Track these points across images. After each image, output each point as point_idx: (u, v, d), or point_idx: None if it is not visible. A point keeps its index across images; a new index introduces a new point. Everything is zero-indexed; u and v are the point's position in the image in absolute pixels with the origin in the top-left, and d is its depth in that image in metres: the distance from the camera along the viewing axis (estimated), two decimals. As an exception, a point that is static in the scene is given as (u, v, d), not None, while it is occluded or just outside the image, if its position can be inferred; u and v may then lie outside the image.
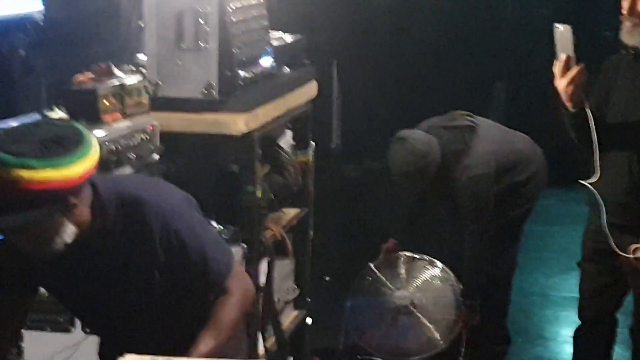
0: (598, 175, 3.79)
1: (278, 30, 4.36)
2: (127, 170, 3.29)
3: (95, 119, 3.25)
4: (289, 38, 4.34)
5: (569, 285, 4.41)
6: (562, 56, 3.67)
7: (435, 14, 8.06)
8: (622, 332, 4.35)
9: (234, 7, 3.69)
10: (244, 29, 3.75)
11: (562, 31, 3.63)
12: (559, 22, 3.65)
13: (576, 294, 4.28)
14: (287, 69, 4.21)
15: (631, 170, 3.87)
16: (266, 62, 3.98)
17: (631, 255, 3.85)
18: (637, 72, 3.88)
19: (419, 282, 4.95)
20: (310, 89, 4.41)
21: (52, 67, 4.29)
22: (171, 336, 2.66)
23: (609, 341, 4.25)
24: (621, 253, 3.86)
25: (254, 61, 3.87)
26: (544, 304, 5.91)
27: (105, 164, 3.16)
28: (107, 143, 3.18)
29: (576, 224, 4.52)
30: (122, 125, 3.33)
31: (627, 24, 3.81)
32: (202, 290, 2.64)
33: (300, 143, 4.49)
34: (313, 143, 4.55)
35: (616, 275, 4.09)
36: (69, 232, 2.45)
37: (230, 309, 2.62)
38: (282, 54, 4.16)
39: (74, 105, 3.30)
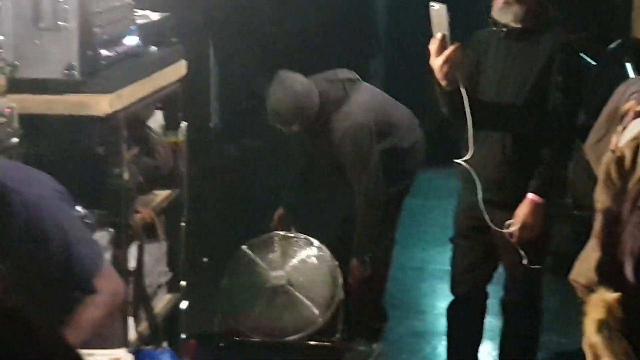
0: (472, 153, 3.84)
1: (145, 9, 4.26)
2: (-17, 154, 3.18)
3: (-53, 103, 3.12)
4: (155, 16, 4.24)
5: (445, 259, 4.45)
6: (438, 35, 3.68)
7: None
8: (493, 304, 4.43)
9: (94, -16, 3.58)
10: (105, 7, 3.65)
11: (438, 9, 3.65)
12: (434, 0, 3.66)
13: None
14: (153, 48, 4.11)
15: (504, 146, 3.93)
16: (131, 41, 3.89)
17: (506, 230, 3.91)
18: (508, 49, 3.94)
19: (295, 261, 4.95)
20: (179, 68, 4.32)
21: None
22: None
23: (481, 313, 4.34)
24: (496, 228, 3.92)
25: (117, 40, 3.77)
26: (421, 277, 5.99)
27: (-42, 150, 3.05)
28: (-40, 127, 3.06)
29: (453, 199, 4.58)
30: (-23, 108, 3.20)
31: (498, 2, 3.86)
32: (67, 288, 2.55)
33: (170, 123, 4.40)
34: (185, 123, 4.46)
35: (487, 251, 4.17)
36: None
37: (94, 309, 2.54)
38: (148, 32, 4.06)
39: None
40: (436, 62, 3.73)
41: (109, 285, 2.60)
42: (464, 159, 3.89)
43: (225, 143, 8.08)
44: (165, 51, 4.22)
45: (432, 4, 3.67)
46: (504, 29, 3.93)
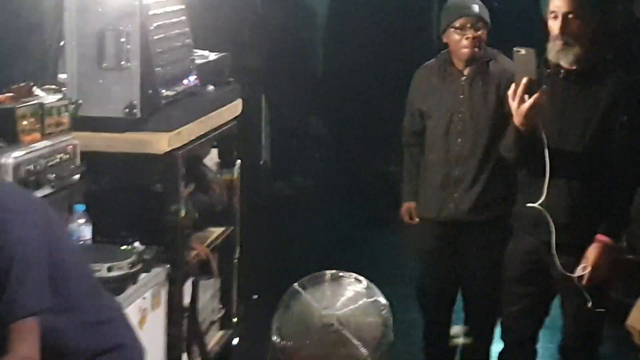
0: (544, 197, 3.83)
1: (202, 49, 4.35)
2: (46, 190, 3.25)
3: (13, 140, 3.20)
4: (212, 56, 4.32)
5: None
6: (524, 80, 3.70)
7: (365, 29, 8.10)
8: (548, 348, 4.40)
9: (155, 26, 3.66)
10: (166, 47, 3.73)
11: (525, 54, 3.67)
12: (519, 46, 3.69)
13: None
14: (211, 87, 4.19)
15: (570, 189, 3.91)
16: (190, 80, 3.96)
17: (576, 275, 3.88)
18: (567, 92, 3.93)
19: (344, 299, 4.96)
20: (235, 107, 4.40)
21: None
22: None
23: (533, 358, 4.29)
24: (566, 273, 3.89)
25: (177, 80, 3.84)
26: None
27: (24, 185, 3.11)
28: (25, 164, 3.13)
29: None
30: (42, 145, 3.27)
31: (557, 43, 3.86)
32: None
33: (225, 161, 4.47)
34: (239, 161, 4.53)
35: (541, 296, 4.12)
36: None
37: None
38: (206, 72, 4.14)
39: (-9, 126, 3.24)
40: (521, 107, 3.74)
41: (21, 347, 2.38)
42: (538, 202, 3.87)
43: (275, 180, 8.14)
44: (223, 90, 4.30)
45: (517, 48, 3.69)
46: (562, 71, 3.93)
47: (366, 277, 5.05)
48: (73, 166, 3.40)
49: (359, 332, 4.95)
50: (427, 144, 4.70)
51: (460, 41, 4.50)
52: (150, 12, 3.66)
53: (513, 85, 3.76)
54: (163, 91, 3.69)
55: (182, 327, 3.83)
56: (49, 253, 2.53)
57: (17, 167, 3.10)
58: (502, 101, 4.40)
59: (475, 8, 4.51)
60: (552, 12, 3.87)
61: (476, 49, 4.49)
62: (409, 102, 4.80)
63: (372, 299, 4.97)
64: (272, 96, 7.96)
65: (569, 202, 3.92)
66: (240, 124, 4.51)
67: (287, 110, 8.08)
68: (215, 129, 4.16)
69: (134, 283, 3.44)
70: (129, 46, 3.59)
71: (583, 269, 3.88)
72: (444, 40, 4.59)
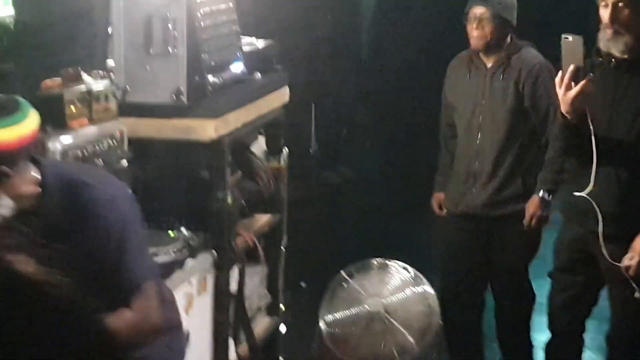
0: (592, 186, 3.78)
1: (250, 36, 4.34)
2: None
3: (61, 125, 3.23)
4: (260, 43, 4.32)
5: (543, 292, 4.39)
6: (571, 67, 3.65)
7: (414, 17, 8.05)
8: (596, 339, 4.35)
9: (203, 12, 3.67)
10: (213, 34, 3.73)
11: (572, 41, 3.62)
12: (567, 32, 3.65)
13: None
14: (258, 75, 4.18)
15: (619, 179, 3.86)
16: (237, 67, 3.96)
17: (624, 265, 3.83)
18: (618, 81, 3.87)
19: (391, 287, 4.95)
20: (282, 95, 4.39)
21: (22, 73, 4.26)
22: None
23: (579, 349, 4.25)
24: (614, 262, 3.84)
25: (224, 67, 3.84)
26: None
27: (71, 170, 3.14)
28: (73, 149, 3.16)
29: (550, 232, 4.52)
30: (89, 131, 3.30)
31: (608, 32, 3.81)
32: (111, 291, 2.53)
33: (273, 149, 4.46)
34: (286, 149, 4.52)
35: (589, 286, 4.08)
36: (4, 204, 2.45)
37: (120, 321, 2.48)
38: (253, 59, 4.14)
39: (40, 110, 3.25)
40: (567, 94, 3.70)
41: (145, 305, 2.57)
42: (585, 192, 3.83)
43: (323, 169, 8.13)
44: (270, 77, 4.29)
45: (565, 35, 3.65)
46: (612, 60, 3.87)
47: (413, 266, 5.04)
48: (120, 152, 3.42)
49: (405, 320, 4.94)
50: (458, 137, 4.72)
51: (470, 34, 4.49)
52: (198, -1, 3.67)
53: (560, 73, 3.71)
54: (210, 78, 3.69)
55: (228, 312, 3.84)
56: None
57: (64, 152, 3.13)
58: (521, 96, 4.46)
59: (483, 3, 4.44)
60: (603, 0, 3.81)
61: (484, 43, 4.45)
62: (443, 93, 4.81)
63: (419, 288, 4.96)
64: (320, 85, 7.95)
65: (617, 192, 3.87)
66: (288, 111, 4.51)
67: (334, 100, 8.07)
68: (262, 116, 4.16)
69: (180, 268, 3.45)
70: (175, 33, 3.60)
71: (630, 259, 3.83)
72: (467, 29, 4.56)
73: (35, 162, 2.59)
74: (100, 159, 3.29)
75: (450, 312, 4.84)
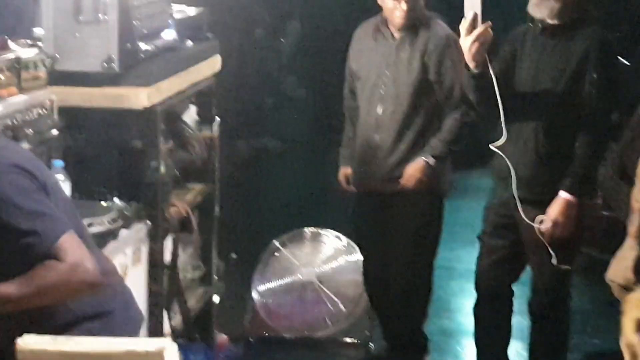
0: (505, 137, 3.79)
1: (180, 4, 4.29)
2: (24, 145, 3.19)
3: (-11, 94, 3.15)
4: (191, 11, 4.26)
5: (473, 258, 4.43)
6: (470, 14, 3.65)
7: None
8: (522, 303, 4.42)
9: (134, -22, 3.60)
10: (144, 1, 3.67)
11: None
12: None
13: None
14: (190, 43, 4.13)
15: (537, 142, 3.91)
16: (168, 35, 3.91)
17: (536, 225, 3.88)
18: (543, 46, 3.91)
19: (324, 257, 4.97)
20: (213, 63, 4.34)
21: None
22: None
23: (508, 312, 4.30)
24: (528, 222, 3.89)
25: (155, 34, 3.79)
26: (450, 276, 5.97)
27: (0, 139, 3.06)
28: (2, 118, 3.08)
29: (479, 198, 4.57)
30: (19, 99, 3.22)
31: None
32: (30, 258, 2.51)
33: (204, 118, 4.42)
34: (218, 118, 4.49)
35: (515, 249, 4.13)
36: None
37: (50, 271, 2.48)
38: (184, 27, 4.09)
39: (-33, 79, 3.19)
40: (465, 41, 3.69)
41: (69, 256, 2.50)
42: (498, 143, 3.83)
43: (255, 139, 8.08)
44: (201, 46, 4.24)
45: None
46: (540, 25, 3.91)
47: (346, 236, 5.06)
48: (50, 121, 3.35)
49: (338, 289, 4.97)
50: (359, 107, 4.55)
51: (393, 9, 4.34)
52: (128, -35, 3.59)
53: (463, 21, 3.72)
54: (141, 45, 3.63)
55: (162, 283, 3.81)
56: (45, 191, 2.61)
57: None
58: (426, 69, 4.35)
59: None
60: None
61: (410, 18, 4.32)
62: (347, 61, 4.63)
63: (352, 257, 4.98)
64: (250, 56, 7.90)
65: (534, 156, 3.92)
66: (220, 80, 4.46)
67: (262, 71, 8.03)
68: (194, 85, 4.11)
69: (114, 239, 3.41)
70: (106, -1, 3.53)
71: (540, 222, 3.88)
72: (378, 2, 4.41)
73: None
74: (30, 129, 3.22)
75: (372, 288, 4.75)
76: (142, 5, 3.66)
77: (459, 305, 5.60)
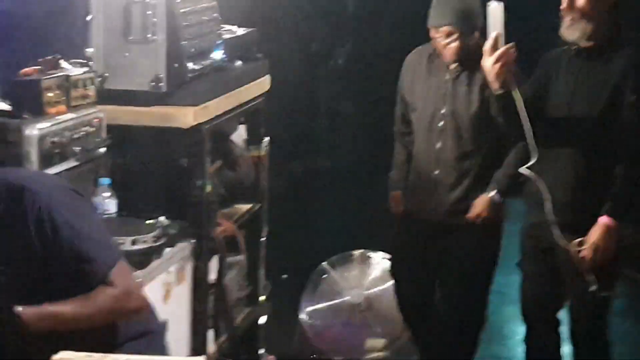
0: (536, 156, 3.73)
1: (231, 24, 4.31)
2: (71, 163, 3.23)
3: (39, 111, 3.19)
4: (240, 31, 4.28)
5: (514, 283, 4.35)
6: (493, 34, 3.62)
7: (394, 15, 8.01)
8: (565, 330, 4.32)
9: (182, -2, 3.64)
10: (193, 21, 3.70)
11: (494, 8, 3.58)
12: None
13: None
14: (239, 62, 4.15)
15: (576, 166, 3.84)
16: (217, 55, 3.93)
17: (574, 249, 3.80)
18: (579, 69, 3.85)
19: (372, 279, 4.94)
20: (263, 83, 4.36)
21: (1, 62, 4.22)
22: None
23: (556, 342, 4.20)
24: (567, 247, 3.81)
25: (204, 54, 3.81)
26: (502, 302, 5.89)
27: (48, 157, 3.10)
28: (50, 136, 3.12)
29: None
30: (67, 117, 3.26)
31: (566, 20, 3.79)
32: (84, 283, 2.56)
33: (254, 137, 4.43)
34: (267, 137, 4.49)
35: (554, 276, 4.03)
36: None
37: (102, 297, 2.54)
38: (234, 47, 4.11)
39: (17, 97, 3.24)
40: (488, 62, 3.65)
41: (121, 281, 2.58)
42: (529, 164, 3.76)
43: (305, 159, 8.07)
44: (250, 66, 4.26)
45: (489, 2, 3.61)
46: (574, 48, 3.85)
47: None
48: (98, 139, 3.39)
49: (387, 312, 4.93)
50: (415, 138, 4.49)
51: (445, 46, 4.26)
52: (177, -15, 3.63)
53: (486, 42, 3.67)
54: (189, 65, 3.66)
55: (207, 302, 3.81)
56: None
57: (42, 138, 3.09)
58: (487, 102, 4.23)
59: (461, 16, 4.20)
60: None
61: (461, 56, 4.24)
62: (399, 86, 4.56)
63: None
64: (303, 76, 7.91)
65: (573, 180, 3.84)
66: (269, 100, 4.47)
67: (317, 91, 8.03)
68: (243, 105, 4.12)
69: (159, 257, 3.42)
70: (155, 19, 3.56)
71: (579, 244, 3.79)
72: (430, 36, 4.34)
73: None
74: (78, 147, 3.26)
75: (408, 318, 4.69)
76: (191, 25, 3.69)
77: (512, 331, 5.53)
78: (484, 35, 3.81)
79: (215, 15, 3.93)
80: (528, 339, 4.25)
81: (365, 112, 7.98)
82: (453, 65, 4.33)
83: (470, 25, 4.24)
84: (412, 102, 4.47)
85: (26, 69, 3.38)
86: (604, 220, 3.79)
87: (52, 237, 2.52)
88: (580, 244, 3.81)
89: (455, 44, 4.24)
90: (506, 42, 3.64)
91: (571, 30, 3.79)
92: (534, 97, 3.79)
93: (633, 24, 4.04)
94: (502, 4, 3.57)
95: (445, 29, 4.24)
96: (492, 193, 4.32)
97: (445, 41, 4.26)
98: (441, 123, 4.35)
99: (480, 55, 4.15)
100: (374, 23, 7.97)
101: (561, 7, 3.78)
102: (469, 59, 4.24)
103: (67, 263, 2.55)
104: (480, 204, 4.34)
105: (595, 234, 3.78)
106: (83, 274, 2.55)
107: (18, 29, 4.16)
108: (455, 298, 4.50)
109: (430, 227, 4.44)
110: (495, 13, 3.57)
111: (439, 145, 4.36)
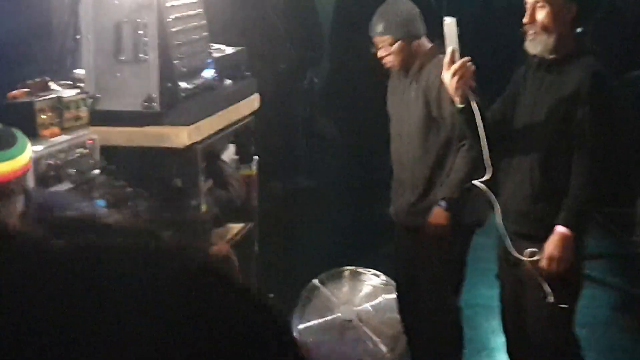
0: (489, 173, 3.74)
1: (219, 43, 4.30)
2: (66, 185, 3.20)
3: (32, 134, 3.15)
4: (229, 50, 4.28)
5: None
6: (449, 49, 3.65)
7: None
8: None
9: (173, 17, 3.62)
10: (184, 40, 3.69)
11: (449, 23, 3.61)
12: (447, 15, 3.63)
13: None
14: (228, 82, 4.14)
15: (533, 177, 3.85)
16: (208, 73, 3.92)
17: (526, 259, 3.79)
18: (540, 81, 3.87)
19: (363, 295, 4.92)
20: (252, 102, 4.35)
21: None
22: None
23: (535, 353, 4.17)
24: (519, 256, 3.79)
25: (195, 73, 3.80)
26: (488, 315, 5.90)
27: (43, 179, 3.07)
28: (45, 158, 3.10)
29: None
30: (61, 139, 3.24)
31: (529, 33, 3.82)
32: None
33: (243, 157, 4.42)
34: (256, 157, 4.48)
35: (521, 285, 4.01)
36: None
37: None
38: (223, 65, 4.10)
39: (10, 120, 3.19)
40: (445, 76, 3.68)
41: None
42: (482, 179, 3.80)
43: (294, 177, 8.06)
44: (240, 84, 4.25)
45: (444, 18, 3.64)
46: (536, 60, 3.88)
47: (385, 274, 5.01)
48: (92, 161, 3.37)
49: (378, 328, 4.92)
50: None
51: (381, 56, 4.37)
52: (168, 4, 3.62)
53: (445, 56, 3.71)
54: (182, 84, 3.64)
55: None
56: None
57: (37, 161, 3.06)
58: (429, 105, 4.32)
59: (384, 25, 4.30)
60: (525, 2, 3.83)
61: (394, 63, 4.34)
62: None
63: (391, 295, 4.93)
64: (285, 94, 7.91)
65: (530, 190, 3.85)
66: (258, 119, 4.46)
67: (296, 110, 8.02)
68: (233, 124, 4.11)
69: (156, 278, 3.39)
70: (146, 38, 3.55)
71: (531, 254, 3.79)
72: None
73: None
74: (72, 168, 3.23)
75: (406, 323, 4.68)
76: (182, 44, 3.68)
77: (499, 343, 5.53)
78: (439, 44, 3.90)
79: (205, 34, 3.92)
80: (508, 350, 4.25)
81: (347, 131, 7.99)
82: (407, 74, 4.43)
83: (403, 33, 4.33)
84: (390, 112, 4.59)
85: (14, 92, 3.36)
86: (558, 229, 3.78)
87: None
88: (533, 254, 3.80)
89: (390, 53, 4.33)
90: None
91: (534, 44, 3.82)
92: (499, 112, 3.83)
93: (592, 36, 4.09)
94: (454, 19, 3.61)
95: (378, 38, 4.33)
96: (441, 202, 4.36)
97: (382, 51, 4.35)
98: (401, 128, 4.47)
99: (426, 59, 4.34)
100: (354, 39, 7.99)
101: (524, 21, 3.80)
102: (415, 63, 4.36)
103: None
104: (432, 218, 4.38)
105: (550, 244, 3.77)
106: None
107: (4, 51, 4.13)
108: (429, 305, 4.51)
109: (404, 232, 4.53)
110: (450, 28, 3.61)
111: (401, 149, 4.48)
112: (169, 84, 3.59)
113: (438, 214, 4.35)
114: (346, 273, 5.03)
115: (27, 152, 2.63)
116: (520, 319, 4.05)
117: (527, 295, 3.93)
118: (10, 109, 3.24)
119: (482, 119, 3.69)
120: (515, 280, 3.97)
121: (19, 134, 2.60)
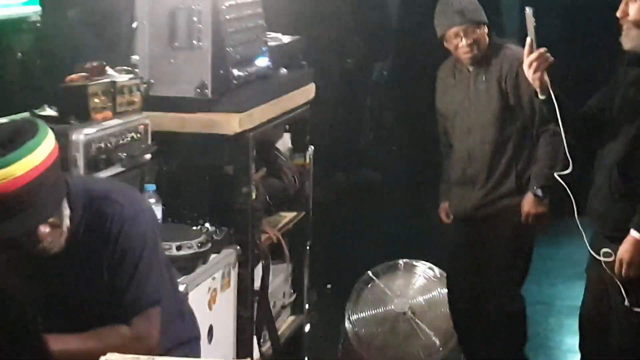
0: (571, 167, 3.67)
1: (276, 32, 4.31)
2: (117, 169, 3.24)
3: (85, 117, 3.21)
4: (286, 39, 4.28)
5: (574, 294, 4.29)
6: (527, 40, 3.60)
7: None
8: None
9: (228, 5, 3.64)
10: (238, 27, 3.70)
11: (527, 14, 3.56)
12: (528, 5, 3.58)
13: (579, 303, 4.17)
14: (284, 70, 4.15)
15: (612, 177, 3.76)
16: (262, 62, 3.93)
17: (601, 258, 3.71)
18: (630, 77, 3.79)
19: (417, 288, 4.90)
20: (308, 91, 4.35)
21: (48, 68, 4.26)
22: None
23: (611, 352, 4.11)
24: (596, 256, 3.72)
25: (249, 61, 3.81)
26: (548, 313, 5.84)
27: (94, 163, 3.12)
28: (97, 142, 3.13)
29: (578, 233, 4.42)
30: (113, 123, 3.27)
31: (623, 27, 3.74)
32: (114, 308, 2.53)
33: (298, 146, 4.43)
34: (312, 146, 4.48)
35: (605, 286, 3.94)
36: None
37: (116, 336, 2.48)
38: (278, 54, 4.10)
39: (64, 103, 3.26)
40: (524, 67, 3.61)
41: (144, 328, 2.51)
42: (564, 172, 3.73)
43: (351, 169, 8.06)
44: (295, 74, 4.25)
45: (526, 8, 3.58)
46: (629, 56, 3.79)
47: (440, 268, 4.99)
48: (144, 145, 3.39)
49: (431, 321, 4.89)
50: (452, 142, 4.60)
51: (458, 47, 4.36)
52: (222, -8, 3.64)
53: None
54: (234, 72, 3.66)
55: (252, 309, 3.80)
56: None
57: (88, 144, 3.10)
58: (505, 95, 4.34)
59: (463, 14, 4.34)
60: None
61: (476, 52, 4.35)
62: (435, 103, 4.68)
63: (445, 289, 4.90)
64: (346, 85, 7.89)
65: (608, 191, 3.74)
66: (314, 109, 4.46)
67: (361, 101, 8.01)
68: (288, 112, 4.12)
69: (204, 263, 3.42)
70: (200, 25, 3.57)
71: (605, 254, 3.69)
72: (445, 46, 4.44)
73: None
74: (123, 153, 3.26)
75: (459, 319, 4.70)
76: (236, 32, 3.69)
77: (558, 342, 5.47)
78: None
79: (260, 22, 3.93)
80: (581, 347, 4.17)
81: (409, 124, 7.95)
82: (471, 67, 4.43)
83: (473, 21, 4.35)
84: (446, 113, 4.58)
85: (72, 75, 3.41)
86: (631, 233, 3.69)
87: (121, 255, 2.50)
88: (608, 255, 3.71)
89: (465, 42, 4.33)
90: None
91: (627, 39, 3.73)
92: (597, 106, 3.74)
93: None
94: (532, 9, 3.55)
95: (451, 31, 4.34)
96: (535, 190, 4.35)
97: (454, 43, 4.36)
98: (468, 122, 4.45)
99: (492, 52, 4.39)
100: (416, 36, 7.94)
101: (617, 14, 3.72)
102: (483, 56, 4.39)
103: (115, 282, 2.51)
104: (526, 203, 4.38)
105: (622, 247, 3.68)
106: (115, 300, 2.51)
107: (63, 35, 4.21)
108: (492, 295, 4.53)
109: (469, 225, 4.54)
110: (528, 19, 3.55)
111: (469, 143, 4.45)
112: (222, 71, 3.60)
113: (535, 203, 4.37)
114: (401, 266, 5.01)
115: (35, 156, 2.31)
116: (599, 319, 3.99)
117: (608, 296, 3.87)
118: (64, 92, 3.29)
119: (565, 111, 3.63)
120: (599, 279, 3.91)
121: (28, 135, 2.33)
